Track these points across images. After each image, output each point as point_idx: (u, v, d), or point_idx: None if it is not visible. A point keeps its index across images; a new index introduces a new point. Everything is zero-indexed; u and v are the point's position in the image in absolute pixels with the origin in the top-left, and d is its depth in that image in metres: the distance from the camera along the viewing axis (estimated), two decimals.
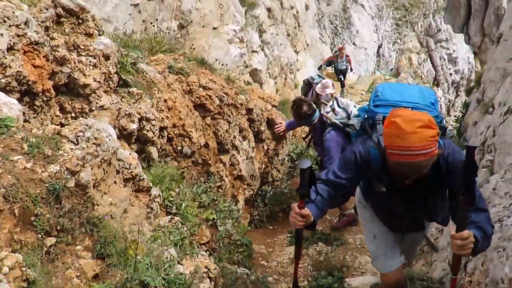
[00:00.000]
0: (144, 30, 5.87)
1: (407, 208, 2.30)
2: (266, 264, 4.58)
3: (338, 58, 14.11)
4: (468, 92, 9.17)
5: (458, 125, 8.37)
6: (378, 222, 2.58)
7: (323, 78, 6.18)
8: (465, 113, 7.89)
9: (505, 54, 5.70)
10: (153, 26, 6.10)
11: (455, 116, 10.96)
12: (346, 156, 2.25)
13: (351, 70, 14.91)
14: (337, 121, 4.40)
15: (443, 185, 2.10)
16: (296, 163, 6.09)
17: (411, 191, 2.15)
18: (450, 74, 19.26)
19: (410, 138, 1.77)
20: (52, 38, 3.10)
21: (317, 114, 4.59)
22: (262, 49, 9.08)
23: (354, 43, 22.66)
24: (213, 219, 3.88)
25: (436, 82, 19.22)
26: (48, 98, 2.96)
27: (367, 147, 2.12)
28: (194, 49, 6.69)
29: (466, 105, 8.19)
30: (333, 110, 4.46)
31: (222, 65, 6.82)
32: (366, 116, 2.27)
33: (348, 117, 4.31)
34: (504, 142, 3.17)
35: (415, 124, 1.78)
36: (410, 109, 2.00)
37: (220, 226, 3.96)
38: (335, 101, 4.55)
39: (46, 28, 3.04)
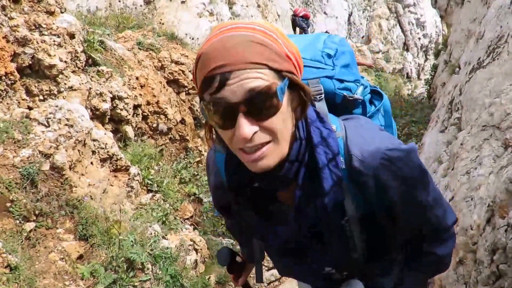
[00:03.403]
0: (109, 7, 5.67)
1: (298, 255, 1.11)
2: None
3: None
4: (436, 55, 9.34)
5: (428, 87, 8.55)
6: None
7: None
8: (434, 75, 8.06)
9: (469, 15, 5.80)
10: (118, 1, 5.88)
11: (425, 79, 11.15)
12: None
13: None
14: None
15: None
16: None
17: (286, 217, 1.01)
18: (419, 38, 19.50)
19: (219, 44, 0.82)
20: (11, 18, 2.96)
21: None
22: None
23: (325, 12, 22.52)
24: (195, 193, 3.89)
25: (406, 47, 19.44)
26: (12, 82, 2.86)
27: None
28: (163, 24, 6.51)
29: (434, 67, 8.36)
30: None
31: (193, 39, 6.69)
32: None
33: None
34: (470, 99, 3.23)
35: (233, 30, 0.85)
36: None
37: (205, 198, 3.97)
38: None
39: (3, 8, 2.90)
